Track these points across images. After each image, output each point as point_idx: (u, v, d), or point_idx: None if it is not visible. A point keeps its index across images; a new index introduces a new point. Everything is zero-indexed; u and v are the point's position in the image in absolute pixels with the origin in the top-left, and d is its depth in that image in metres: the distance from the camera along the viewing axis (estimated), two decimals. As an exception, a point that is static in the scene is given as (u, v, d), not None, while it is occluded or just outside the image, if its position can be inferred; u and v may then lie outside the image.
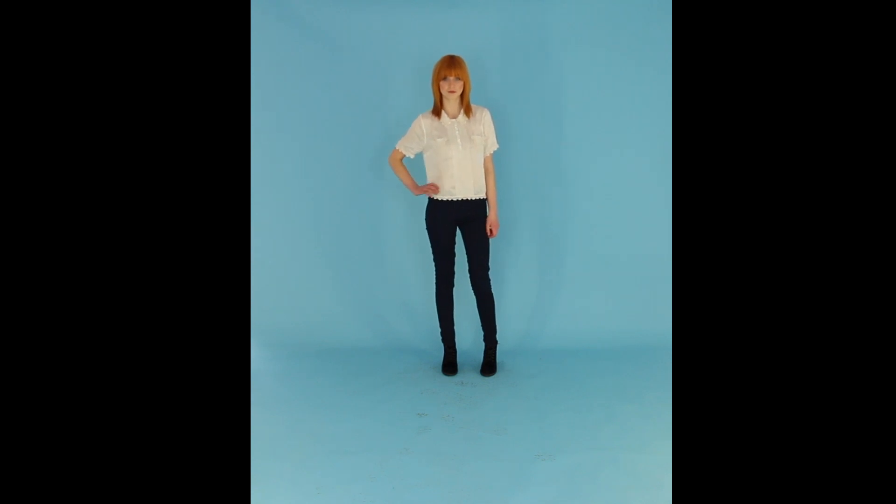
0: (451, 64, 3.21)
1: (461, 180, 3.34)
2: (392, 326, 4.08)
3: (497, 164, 3.64)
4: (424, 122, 3.34)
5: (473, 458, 2.67)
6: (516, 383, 3.49)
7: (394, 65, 3.98)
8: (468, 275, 3.51)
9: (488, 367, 3.55)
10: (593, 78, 4.01)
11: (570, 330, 4.05)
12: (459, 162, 3.32)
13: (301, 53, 3.97)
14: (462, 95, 3.28)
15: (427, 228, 3.46)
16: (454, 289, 3.62)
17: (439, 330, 3.67)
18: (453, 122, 3.32)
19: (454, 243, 3.48)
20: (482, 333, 3.65)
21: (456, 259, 3.57)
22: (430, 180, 3.41)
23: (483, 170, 3.40)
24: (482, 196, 3.42)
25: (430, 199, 3.41)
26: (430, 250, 3.62)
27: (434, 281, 3.62)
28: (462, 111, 3.33)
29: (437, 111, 3.33)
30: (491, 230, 3.44)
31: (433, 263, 3.53)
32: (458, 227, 3.44)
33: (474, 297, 3.54)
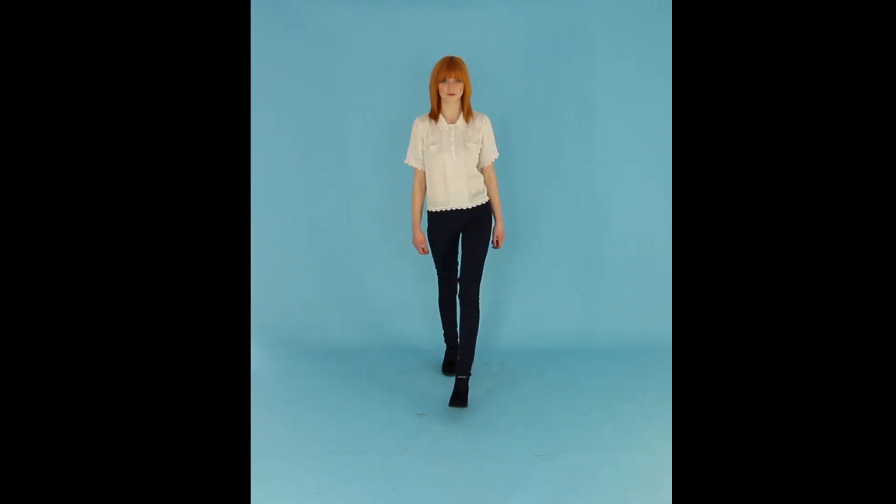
0: (450, 65, 3.01)
1: (455, 190, 3.15)
2: (392, 326, 4.08)
3: (497, 165, 3.63)
4: (421, 126, 3.16)
5: (473, 458, 2.67)
6: (516, 383, 3.49)
7: (394, 65, 3.98)
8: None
9: (458, 397, 3.12)
10: (593, 78, 4.01)
11: (570, 330, 4.05)
12: (453, 170, 3.12)
13: (301, 53, 3.97)
14: (462, 99, 3.08)
15: (427, 237, 3.32)
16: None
17: (442, 331, 3.62)
18: (451, 127, 3.11)
19: (455, 251, 3.34)
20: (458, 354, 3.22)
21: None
22: (428, 189, 3.25)
23: (479, 178, 3.19)
24: (480, 203, 3.20)
25: (428, 212, 3.27)
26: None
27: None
28: (461, 116, 3.12)
29: (433, 115, 3.12)
30: (497, 241, 3.29)
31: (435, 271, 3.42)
32: (458, 234, 3.26)
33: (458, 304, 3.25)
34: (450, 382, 3.47)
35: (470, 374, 3.21)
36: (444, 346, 3.77)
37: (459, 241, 3.29)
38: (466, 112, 3.10)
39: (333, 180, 4.10)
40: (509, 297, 4.07)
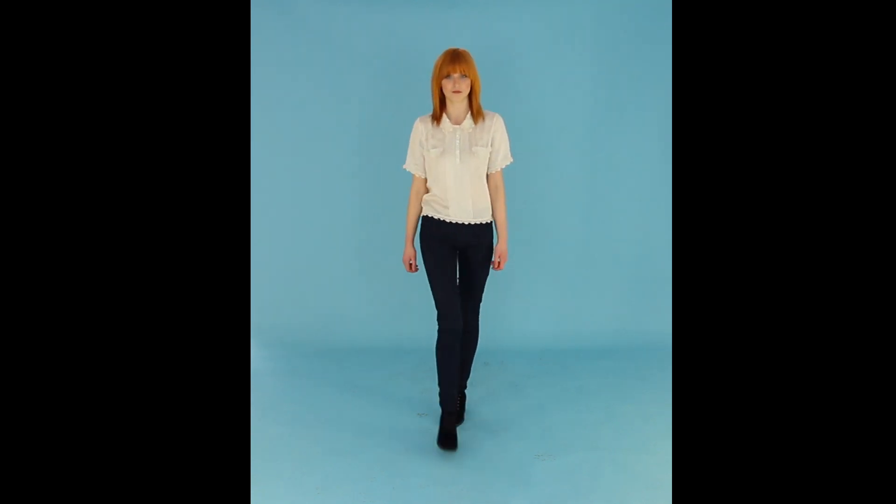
0: (455, 58, 2.58)
1: (457, 201, 2.69)
2: (392, 326, 4.08)
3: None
4: (422, 128, 2.73)
5: (473, 458, 2.67)
6: (516, 383, 3.49)
7: (394, 65, 3.98)
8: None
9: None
10: (593, 77, 4.01)
11: (570, 330, 4.05)
12: (456, 178, 2.67)
13: (301, 53, 3.97)
14: (470, 97, 2.65)
15: (421, 252, 2.79)
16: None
17: (438, 389, 2.89)
18: (455, 129, 2.67)
19: (455, 264, 2.80)
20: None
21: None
22: (427, 196, 2.81)
23: (487, 189, 2.75)
24: (484, 220, 2.75)
25: (424, 216, 2.80)
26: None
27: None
28: (469, 116, 2.68)
29: (436, 116, 2.69)
30: (498, 262, 2.80)
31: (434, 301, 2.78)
32: (456, 254, 2.80)
33: None
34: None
35: (465, 396, 3.09)
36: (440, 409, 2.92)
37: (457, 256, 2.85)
38: (475, 111, 2.67)
39: (333, 180, 4.10)
40: (509, 296, 4.07)
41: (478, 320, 2.90)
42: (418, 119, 2.76)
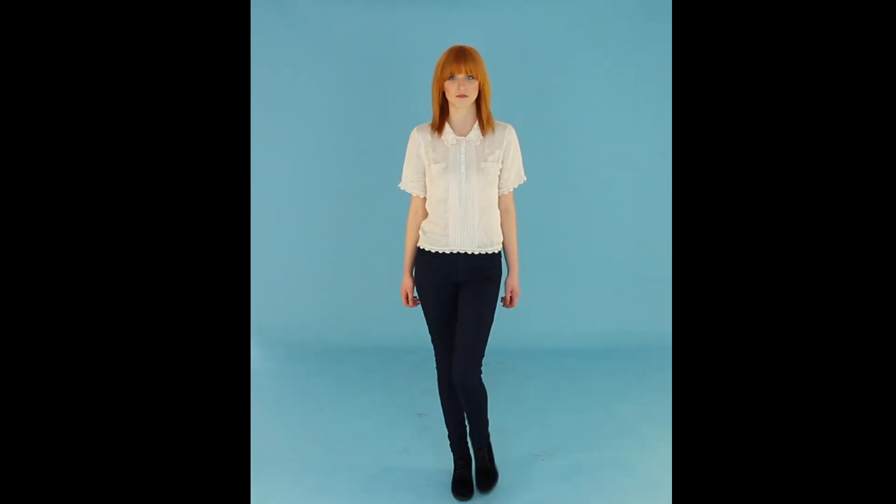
0: (460, 57, 2.17)
1: (462, 226, 2.25)
2: (392, 326, 4.09)
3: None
4: (420, 139, 2.29)
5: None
6: (516, 383, 3.49)
7: (394, 65, 3.98)
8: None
9: (485, 475, 2.47)
10: (593, 78, 4.01)
11: (570, 330, 4.05)
12: (462, 200, 2.24)
13: (301, 53, 3.97)
14: (478, 102, 2.23)
15: (417, 286, 2.39)
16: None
17: (446, 432, 2.55)
18: (460, 140, 2.24)
19: (454, 311, 2.37)
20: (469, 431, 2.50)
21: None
22: (426, 220, 2.36)
23: (497, 212, 2.31)
24: (492, 250, 2.29)
25: (420, 250, 2.35)
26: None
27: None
28: (476, 125, 2.26)
29: (436, 125, 2.26)
30: (510, 298, 2.39)
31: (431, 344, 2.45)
32: (455, 289, 2.34)
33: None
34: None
35: (490, 445, 2.56)
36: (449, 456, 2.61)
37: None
38: (484, 120, 2.25)
39: (333, 180, 4.10)
40: (509, 297, 4.07)
41: (479, 380, 2.34)
42: (415, 129, 2.32)
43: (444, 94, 2.22)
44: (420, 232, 2.36)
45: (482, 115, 2.25)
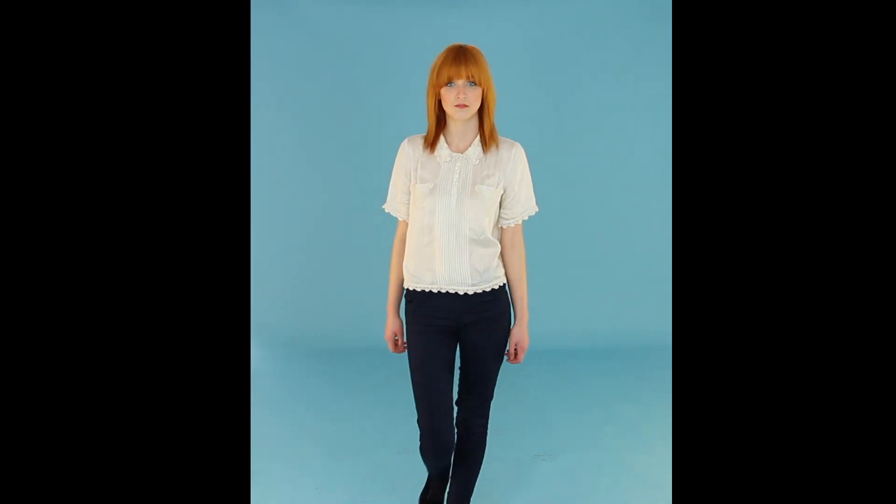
0: (459, 58, 1.79)
1: (449, 260, 1.86)
2: (392, 326, 4.08)
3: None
4: (410, 152, 1.91)
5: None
6: (516, 383, 3.49)
7: (393, 65, 3.98)
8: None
9: None
10: (593, 78, 4.01)
11: (570, 330, 4.05)
12: (449, 228, 1.85)
13: (301, 53, 3.97)
14: (480, 113, 1.85)
15: (406, 336, 2.03)
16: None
17: None
18: (455, 158, 1.86)
19: (451, 370, 1.96)
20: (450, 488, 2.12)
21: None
22: (408, 252, 1.97)
23: (494, 246, 1.92)
24: (489, 287, 1.91)
25: (406, 290, 2.00)
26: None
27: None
28: (477, 141, 1.88)
29: (430, 139, 1.88)
30: (515, 352, 2.01)
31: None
32: (453, 333, 1.95)
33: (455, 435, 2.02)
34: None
35: None
36: None
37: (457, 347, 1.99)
38: (487, 135, 1.86)
39: (333, 180, 4.10)
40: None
41: (484, 432, 2.04)
42: (406, 140, 1.94)
43: (440, 102, 1.83)
44: (404, 271, 1.98)
45: (485, 130, 1.86)
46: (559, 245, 4.12)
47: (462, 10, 3.93)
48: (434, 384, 1.91)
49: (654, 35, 3.88)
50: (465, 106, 1.79)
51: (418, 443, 2.00)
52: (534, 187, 1.99)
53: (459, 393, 2.02)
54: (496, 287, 1.93)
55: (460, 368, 2.01)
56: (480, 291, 1.91)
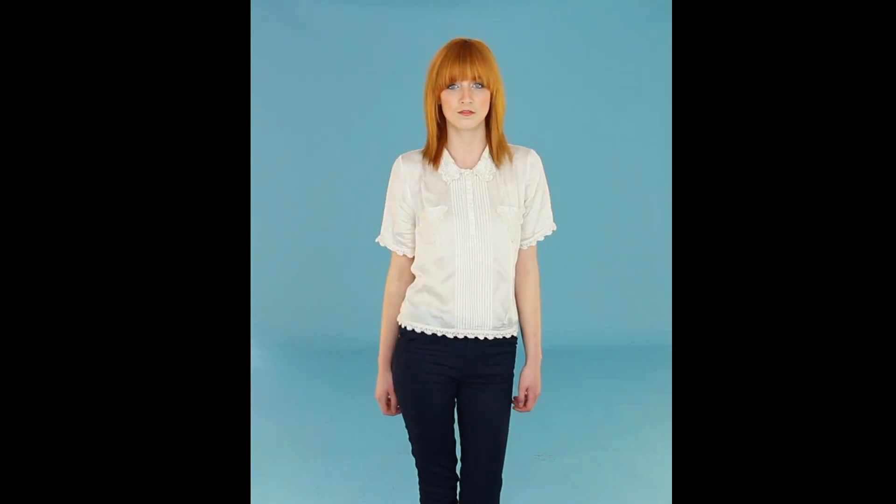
0: (464, 55, 1.51)
1: (473, 298, 1.57)
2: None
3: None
4: (408, 173, 1.61)
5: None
6: (516, 383, 3.49)
7: (393, 65, 3.99)
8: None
9: None
10: (593, 78, 4.01)
11: (570, 330, 4.05)
12: (472, 257, 1.56)
13: (301, 53, 3.98)
14: (488, 120, 1.58)
15: (395, 386, 1.69)
16: None
17: None
18: (465, 174, 1.58)
19: (453, 423, 1.70)
20: None
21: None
22: (415, 289, 1.66)
23: (512, 279, 1.63)
24: (511, 332, 1.64)
25: (405, 330, 1.65)
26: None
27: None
28: (487, 152, 1.60)
29: (431, 153, 1.60)
30: (524, 399, 1.74)
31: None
32: (455, 388, 1.66)
33: None
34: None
35: None
36: None
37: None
38: (495, 146, 1.59)
39: (333, 180, 4.10)
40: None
41: None
42: (400, 158, 1.63)
43: (440, 108, 1.55)
44: (406, 305, 1.66)
45: (493, 140, 1.58)
46: (559, 245, 4.12)
47: (462, 10, 3.94)
48: (447, 436, 1.68)
49: (654, 35, 3.88)
50: (471, 112, 1.50)
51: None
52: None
53: (463, 469, 1.69)
54: (513, 335, 1.65)
55: (461, 437, 1.69)
56: (501, 337, 1.61)
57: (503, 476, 1.72)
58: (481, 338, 1.59)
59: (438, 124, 1.58)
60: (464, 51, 1.51)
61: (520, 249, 1.65)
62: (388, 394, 1.75)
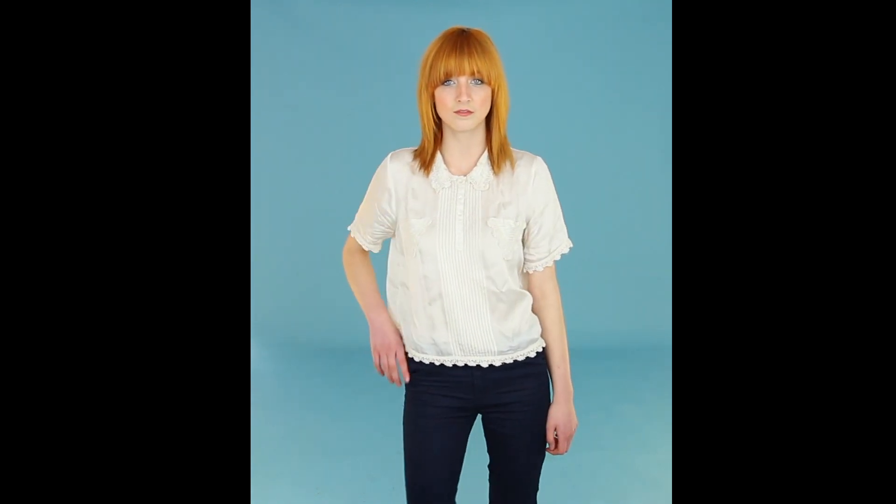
0: (460, 46, 1.35)
1: (468, 322, 1.42)
2: (392, 326, 4.09)
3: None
4: (396, 173, 1.48)
5: (473, 459, 2.67)
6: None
7: (393, 64, 3.98)
8: None
9: None
10: (593, 78, 4.01)
11: (571, 330, 4.05)
12: (460, 277, 1.41)
13: (301, 52, 3.98)
14: (488, 121, 1.42)
15: (403, 418, 1.52)
16: None
17: None
18: (457, 182, 1.42)
19: (458, 465, 1.54)
20: None
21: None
22: (396, 312, 1.62)
23: (524, 298, 1.48)
24: (525, 354, 1.49)
25: (411, 360, 1.53)
26: None
27: None
28: (485, 157, 1.43)
29: (425, 156, 1.44)
30: (558, 440, 1.60)
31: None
32: (470, 420, 1.52)
33: None
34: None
35: None
36: None
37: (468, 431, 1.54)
38: (496, 151, 1.42)
39: (333, 180, 4.10)
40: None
41: None
42: (389, 157, 1.51)
43: (434, 105, 1.38)
44: (406, 340, 1.53)
45: (493, 143, 1.41)
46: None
47: (463, 10, 3.94)
48: (454, 473, 1.48)
49: (654, 35, 3.88)
50: (469, 112, 1.33)
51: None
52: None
53: (491, 499, 1.57)
54: (532, 355, 1.47)
55: (489, 466, 1.55)
56: (511, 362, 1.44)
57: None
58: (485, 365, 1.42)
59: (436, 125, 1.40)
60: (461, 41, 1.34)
61: (534, 272, 1.49)
62: (394, 348, 1.55)
